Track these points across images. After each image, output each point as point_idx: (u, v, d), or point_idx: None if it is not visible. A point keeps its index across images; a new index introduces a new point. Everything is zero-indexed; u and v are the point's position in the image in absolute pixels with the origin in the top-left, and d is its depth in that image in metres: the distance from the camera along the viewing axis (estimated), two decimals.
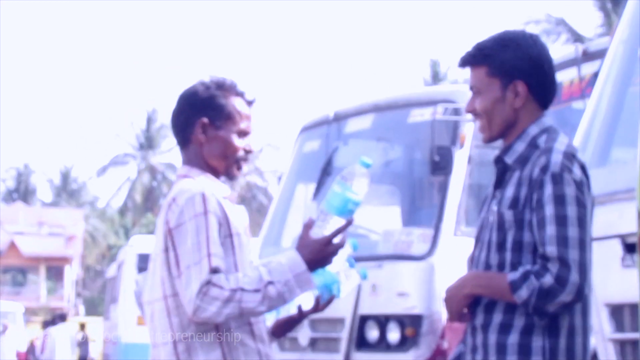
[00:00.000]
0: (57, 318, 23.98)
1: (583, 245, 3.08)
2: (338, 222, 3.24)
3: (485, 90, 3.26)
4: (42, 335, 25.69)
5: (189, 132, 3.39)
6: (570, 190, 3.09)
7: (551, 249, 3.05)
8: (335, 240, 3.22)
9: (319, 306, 3.35)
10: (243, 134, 3.41)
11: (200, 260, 3.13)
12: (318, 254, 3.20)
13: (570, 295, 3.04)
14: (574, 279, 3.04)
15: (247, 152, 3.42)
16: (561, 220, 3.06)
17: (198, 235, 3.16)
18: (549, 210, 3.07)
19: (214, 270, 3.13)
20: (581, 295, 3.07)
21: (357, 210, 3.26)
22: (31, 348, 32.79)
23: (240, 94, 3.43)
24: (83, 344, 27.79)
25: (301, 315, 3.40)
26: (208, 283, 3.10)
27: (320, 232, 3.24)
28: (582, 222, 3.09)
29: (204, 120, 3.37)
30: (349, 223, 3.24)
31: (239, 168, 3.43)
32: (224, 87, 3.41)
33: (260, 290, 3.12)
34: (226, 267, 3.20)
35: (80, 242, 60.43)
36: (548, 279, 3.04)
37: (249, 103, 3.46)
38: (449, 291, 3.26)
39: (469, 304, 3.22)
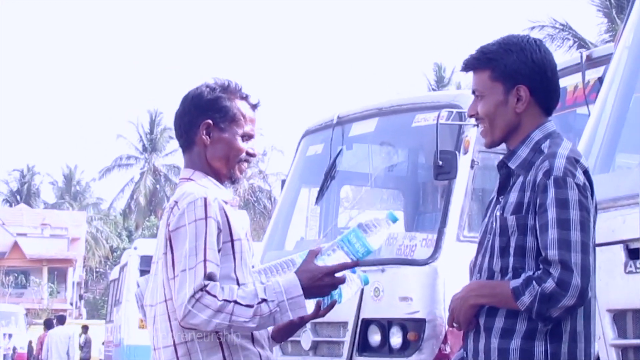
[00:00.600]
0: (55, 321, 24.00)
1: (586, 248, 3.06)
2: (344, 259, 3.27)
3: (488, 94, 3.25)
4: (42, 337, 25.73)
5: (193, 133, 3.39)
6: (573, 194, 3.08)
7: (552, 253, 3.04)
8: (337, 275, 3.24)
9: (320, 311, 3.35)
10: (247, 136, 3.40)
11: (195, 266, 3.13)
12: (317, 282, 3.21)
13: (573, 299, 3.03)
14: (575, 282, 3.02)
15: (250, 154, 3.42)
16: (563, 224, 3.06)
17: (196, 240, 3.16)
18: (552, 214, 3.07)
19: (209, 277, 3.12)
20: (584, 299, 3.06)
21: (365, 257, 3.30)
22: (30, 349, 32.85)
23: (245, 97, 3.43)
24: (85, 346, 27.81)
25: (302, 321, 3.40)
26: (202, 290, 3.10)
27: (324, 263, 3.26)
28: (585, 226, 3.08)
29: (209, 122, 3.36)
30: (355, 264, 3.27)
31: (241, 171, 3.43)
32: (229, 90, 3.41)
33: (253, 306, 3.12)
34: (225, 272, 3.20)
35: (83, 244, 60.47)
36: (550, 284, 3.03)
37: (253, 106, 3.46)
38: (453, 302, 3.26)
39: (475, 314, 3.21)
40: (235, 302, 3.11)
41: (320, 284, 3.22)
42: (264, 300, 3.14)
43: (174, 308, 3.20)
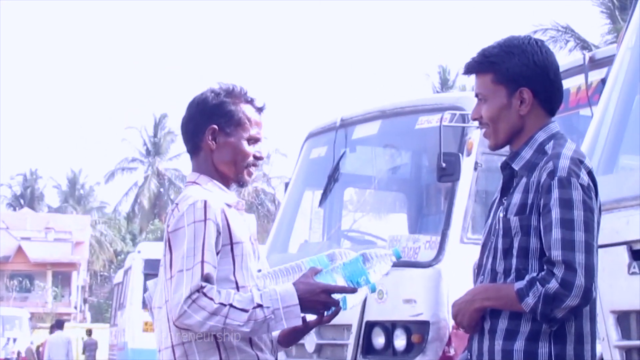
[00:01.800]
0: (55, 326, 24.12)
1: (590, 248, 3.06)
2: (343, 283, 3.29)
3: (491, 98, 3.26)
4: (44, 342, 25.88)
5: (199, 139, 3.40)
6: (576, 195, 3.08)
7: (556, 253, 3.04)
8: (334, 296, 3.25)
9: (324, 317, 3.34)
10: (253, 140, 3.42)
11: (193, 267, 3.14)
12: (313, 296, 3.22)
13: (577, 299, 3.03)
14: (579, 282, 3.02)
15: (257, 158, 3.43)
16: (567, 224, 3.05)
17: (195, 241, 3.17)
18: (555, 214, 3.06)
19: (206, 278, 3.13)
20: (588, 299, 3.06)
21: (363, 287, 3.31)
22: (38, 355, 32.98)
23: (250, 101, 3.45)
24: (87, 350, 27.87)
25: (306, 327, 3.39)
26: (199, 291, 3.11)
27: (324, 281, 3.27)
28: (589, 226, 3.08)
29: (214, 126, 3.38)
30: (353, 290, 3.27)
31: (250, 174, 3.44)
32: (234, 94, 3.42)
33: (248, 310, 3.14)
34: (224, 275, 3.21)
35: (87, 247, 60.52)
36: (553, 284, 3.02)
37: (259, 110, 3.47)
38: (457, 305, 3.25)
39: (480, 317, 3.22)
40: (231, 305, 3.12)
41: (316, 299, 3.22)
42: (259, 305, 3.15)
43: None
